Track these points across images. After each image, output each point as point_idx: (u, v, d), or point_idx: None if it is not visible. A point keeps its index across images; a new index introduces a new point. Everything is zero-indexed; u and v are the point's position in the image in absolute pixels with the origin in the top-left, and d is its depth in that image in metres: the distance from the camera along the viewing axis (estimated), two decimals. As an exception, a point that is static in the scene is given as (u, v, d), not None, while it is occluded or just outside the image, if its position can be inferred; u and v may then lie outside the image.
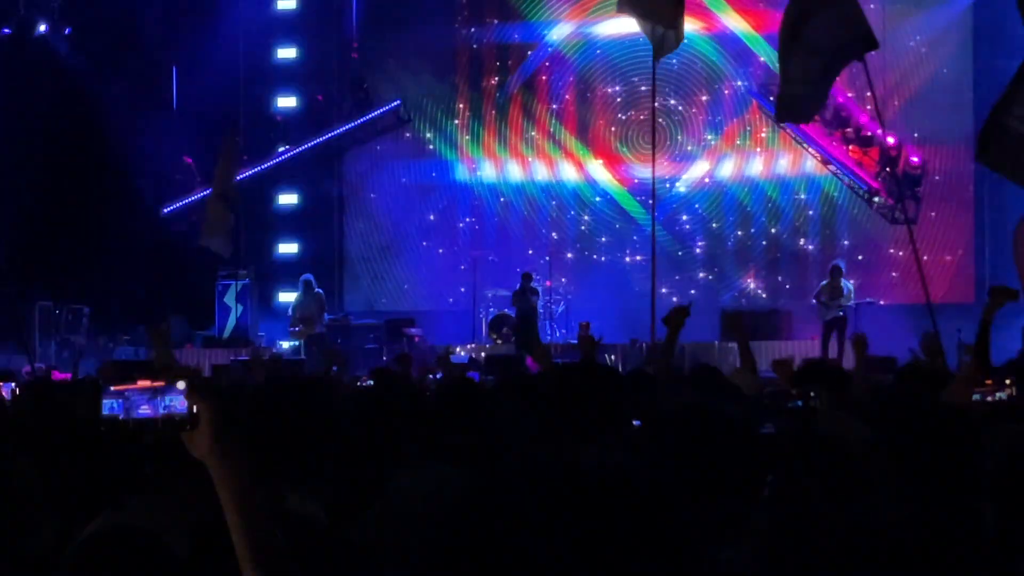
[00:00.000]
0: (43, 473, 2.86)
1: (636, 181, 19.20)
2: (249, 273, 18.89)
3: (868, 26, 10.29)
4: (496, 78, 19.94)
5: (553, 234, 19.63)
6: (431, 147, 20.03)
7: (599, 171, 19.60)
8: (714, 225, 19.35)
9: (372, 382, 6.07)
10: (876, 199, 18.47)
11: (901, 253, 18.08)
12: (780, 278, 19.18)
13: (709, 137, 19.29)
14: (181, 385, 2.16)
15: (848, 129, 18.48)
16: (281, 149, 19.87)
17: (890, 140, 17.81)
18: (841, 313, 16.01)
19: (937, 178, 18.50)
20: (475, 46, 20.02)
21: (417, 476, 3.41)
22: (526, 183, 19.84)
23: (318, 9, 20.19)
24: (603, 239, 19.55)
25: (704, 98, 19.28)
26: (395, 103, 19.80)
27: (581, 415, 3.71)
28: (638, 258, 18.98)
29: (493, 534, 1.70)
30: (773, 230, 19.17)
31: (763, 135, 19.22)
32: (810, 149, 18.81)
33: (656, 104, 13.74)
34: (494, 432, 3.86)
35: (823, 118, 18.21)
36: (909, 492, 2.72)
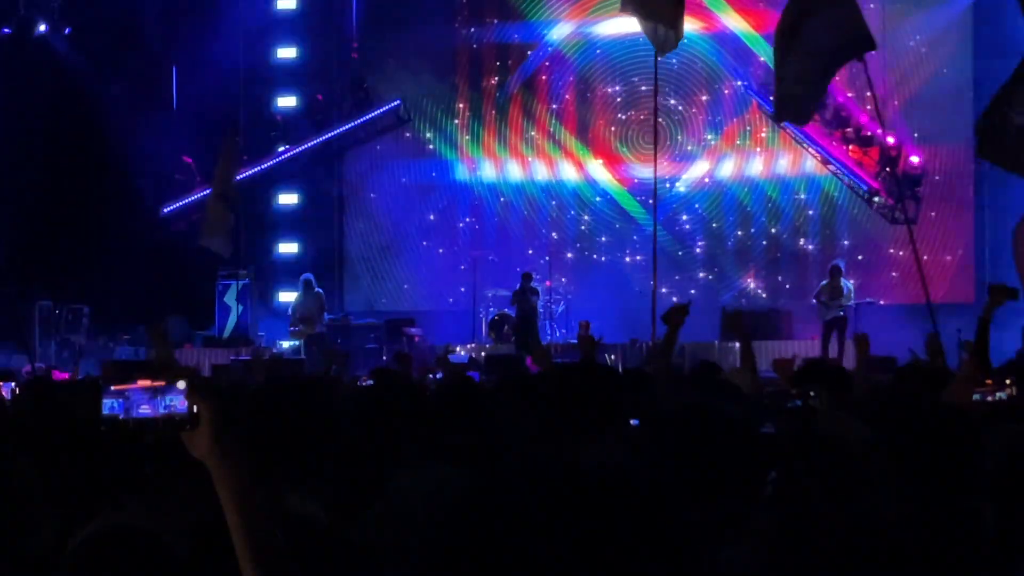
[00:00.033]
0: (43, 473, 2.85)
1: (636, 181, 19.20)
2: (249, 273, 18.89)
3: (866, 27, 10.30)
4: (496, 78, 19.94)
5: (553, 234, 19.63)
6: (431, 147, 20.03)
7: (599, 171, 19.60)
8: (714, 225, 19.36)
9: (372, 382, 6.06)
10: (876, 199, 18.48)
11: (901, 253, 18.08)
12: (780, 278, 19.18)
13: (709, 137, 19.29)
14: (181, 385, 2.16)
15: (848, 129, 18.48)
16: (281, 149, 19.87)
17: (890, 140, 17.81)
18: (841, 313, 16.01)
19: (937, 178, 18.50)
20: (475, 46, 20.02)
21: (417, 476, 3.41)
22: (526, 183, 19.84)
23: (318, 9, 20.19)
24: (603, 239, 19.55)
25: (704, 98, 19.28)
26: (395, 103, 19.79)
27: (581, 415, 3.71)
28: (638, 258, 18.98)
29: (493, 534, 1.70)
30: (773, 230, 19.17)
31: (763, 135, 19.22)
32: (810, 149, 18.81)
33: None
34: (494, 432, 3.87)
35: (823, 118, 18.22)
36: (909, 492, 2.72)
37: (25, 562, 2.64)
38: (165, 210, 19.65)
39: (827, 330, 16.04)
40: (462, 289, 19.14)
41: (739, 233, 19.26)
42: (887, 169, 18.00)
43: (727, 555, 2.52)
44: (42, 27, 18.95)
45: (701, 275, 19.22)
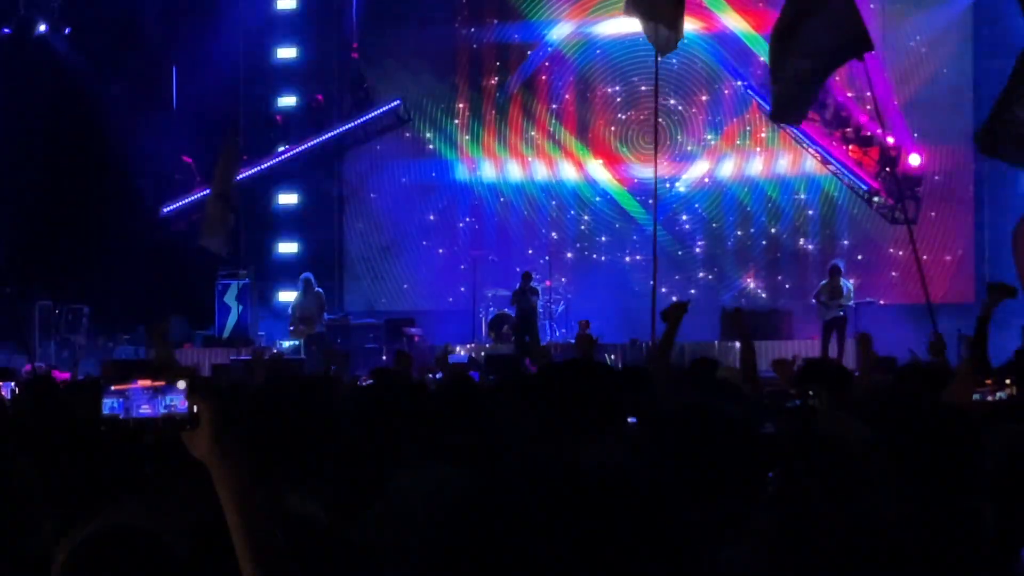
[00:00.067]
0: (43, 473, 2.85)
1: (636, 181, 19.20)
2: (249, 273, 18.88)
3: (864, 28, 10.29)
4: (496, 78, 19.94)
5: (553, 234, 19.63)
6: (431, 147, 20.03)
7: (599, 171, 19.60)
8: (714, 225, 19.35)
9: (372, 382, 6.06)
10: (876, 199, 18.48)
11: (901, 253, 18.07)
12: (780, 278, 19.18)
13: (709, 137, 19.29)
14: (181, 385, 2.16)
15: (848, 129, 18.48)
16: (281, 149, 19.87)
17: (890, 140, 17.81)
18: (841, 313, 16.00)
19: (937, 178, 18.50)
20: (475, 46, 20.02)
21: (417, 476, 3.41)
22: (526, 183, 19.84)
23: (318, 9, 20.18)
24: (603, 239, 19.55)
25: (704, 98, 19.28)
26: (395, 103, 19.79)
27: (580, 415, 3.71)
28: (638, 258, 18.98)
29: (493, 534, 1.70)
30: (773, 230, 19.17)
31: (763, 135, 19.22)
32: (810, 149, 18.81)
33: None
34: (494, 432, 3.86)
35: (823, 118, 18.23)
36: (909, 492, 2.72)
37: (25, 562, 2.64)
38: (165, 210, 19.65)
39: (827, 330, 16.03)
40: (462, 289, 19.13)
41: (739, 233, 19.26)
42: (887, 169, 18.01)
43: (727, 555, 2.52)
44: (42, 27, 18.95)
45: (701, 275, 19.22)
